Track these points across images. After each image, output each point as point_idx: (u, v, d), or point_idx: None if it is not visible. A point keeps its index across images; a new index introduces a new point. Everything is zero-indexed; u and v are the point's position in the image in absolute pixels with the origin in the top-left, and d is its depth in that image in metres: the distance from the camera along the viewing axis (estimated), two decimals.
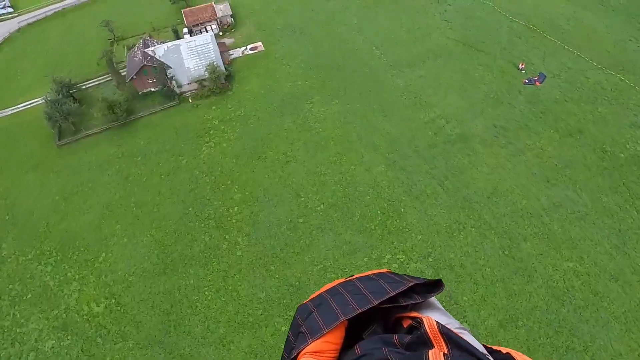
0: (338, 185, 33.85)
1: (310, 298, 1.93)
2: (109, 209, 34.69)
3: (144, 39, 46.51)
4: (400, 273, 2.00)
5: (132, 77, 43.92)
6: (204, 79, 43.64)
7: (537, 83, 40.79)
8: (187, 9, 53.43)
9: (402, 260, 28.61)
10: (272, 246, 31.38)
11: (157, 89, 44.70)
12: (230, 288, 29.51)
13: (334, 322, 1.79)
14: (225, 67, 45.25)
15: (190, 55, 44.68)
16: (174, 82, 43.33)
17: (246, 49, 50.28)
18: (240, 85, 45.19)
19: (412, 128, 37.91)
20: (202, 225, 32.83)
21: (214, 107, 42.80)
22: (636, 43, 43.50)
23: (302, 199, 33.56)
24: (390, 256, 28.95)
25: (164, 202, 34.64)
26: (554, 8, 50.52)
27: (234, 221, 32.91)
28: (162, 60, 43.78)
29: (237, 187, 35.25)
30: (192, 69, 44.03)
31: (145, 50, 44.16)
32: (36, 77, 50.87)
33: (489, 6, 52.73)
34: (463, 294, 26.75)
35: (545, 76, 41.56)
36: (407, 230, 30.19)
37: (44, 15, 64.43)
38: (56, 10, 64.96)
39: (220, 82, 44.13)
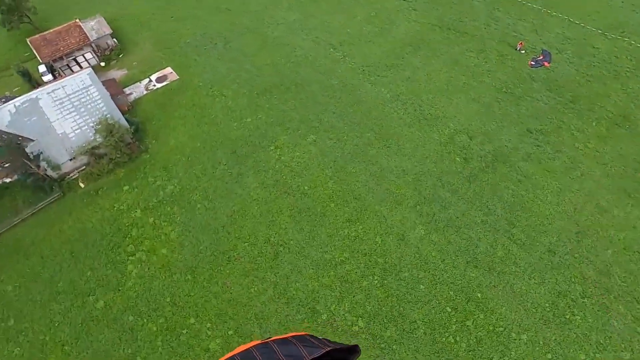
0: (370, 278, 21.97)
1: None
2: None
3: None
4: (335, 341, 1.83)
5: None
6: (97, 146, 27.18)
7: (545, 64, 33.47)
8: (37, 35, 34.46)
9: None
10: None
11: (13, 179, 26.84)
12: None
13: None
14: (127, 119, 29.13)
15: (62, 112, 27.47)
16: (44, 164, 26.04)
17: (151, 81, 34.13)
18: (159, 142, 29.61)
19: (431, 157, 27.44)
20: None
21: (126, 188, 26.85)
22: None
23: (324, 316, 20.97)
24: None
25: None
26: None
27: None
28: (10, 130, 25.95)
29: (208, 325, 21.07)
30: (70, 135, 27.04)
31: None
32: None
33: None
34: None
35: (549, 53, 34.48)
36: (500, 329, 19.91)
37: None
38: None
39: (126, 143, 28.11)
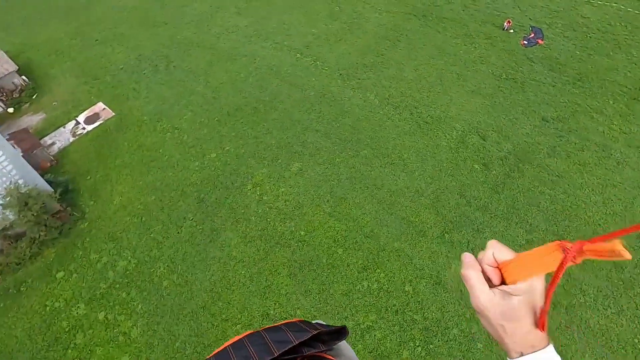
0: (411, 345, 16.79)
1: (213, 353, 1.76)
2: None
3: None
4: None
5: None
6: (9, 226, 19.99)
7: (539, 41, 30.13)
8: None
9: None
10: None
11: None
12: None
13: None
14: (49, 180, 22.04)
15: None
16: None
17: (78, 124, 26.90)
18: (100, 202, 22.75)
19: (445, 168, 22.83)
20: None
21: (60, 274, 19.91)
22: None
23: None
24: None
25: None
26: None
27: None
28: None
29: None
30: None
31: None
32: None
33: None
34: None
35: (540, 30, 31.25)
36: None
37: None
38: None
39: (52, 213, 21.10)
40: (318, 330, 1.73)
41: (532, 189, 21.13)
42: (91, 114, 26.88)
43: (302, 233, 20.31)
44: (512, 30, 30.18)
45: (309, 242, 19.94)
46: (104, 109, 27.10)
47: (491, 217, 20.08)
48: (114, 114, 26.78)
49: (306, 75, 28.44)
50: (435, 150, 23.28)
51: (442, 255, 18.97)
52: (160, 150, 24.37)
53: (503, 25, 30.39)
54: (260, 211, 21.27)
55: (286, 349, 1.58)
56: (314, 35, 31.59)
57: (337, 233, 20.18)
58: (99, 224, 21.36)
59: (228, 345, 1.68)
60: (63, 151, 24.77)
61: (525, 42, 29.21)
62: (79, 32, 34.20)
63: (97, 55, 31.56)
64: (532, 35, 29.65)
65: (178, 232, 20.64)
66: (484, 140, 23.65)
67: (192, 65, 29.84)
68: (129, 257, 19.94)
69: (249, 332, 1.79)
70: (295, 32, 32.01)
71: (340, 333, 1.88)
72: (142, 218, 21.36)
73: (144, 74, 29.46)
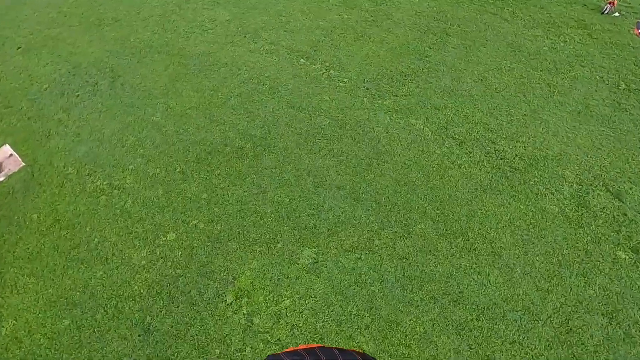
0: None
1: (284, 351, 1.89)
2: None
3: None
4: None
5: None
6: None
7: None
8: None
9: None
10: None
11: None
12: None
13: None
14: None
15: None
16: None
17: None
18: None
19: (565, 260, 13.47)
20: None
21: None
22: None
23: None
24: None
25: None
26: None
27: None
28: None
29: None
30: None
31: None
32: None
33: None
34: None
35: None
36: None
37: None
38: None
39: None
40: None
41: None
42: None
43: None
44: (616, 14, 20.56)
45: None
46: (11, 155, 17.92)
47: None
48: (23, 164, 17.58)
49: (316, 91, 19.02)
50: (540, 222, 13.88)
51: None
52: (88, 229, 15.14)
53: (602, 6, 20.77)
54: (248, 350, 12.05)
55: None
56: (323, 31, 22.08)
57: None
58: None
59: (301, 349, 1.84)
60: None
61: None
62: None
63: (16, 69, 22.22)
64: None
65: None
66: (620, 200, 14.21)
67: (148, 82, 20.47)
68: None
69: (320, 344, 1.82)
70: (297, 26, 22.50)
71: None
72: (54, 342, 12.24)
73: (78, 96, 20.15)
